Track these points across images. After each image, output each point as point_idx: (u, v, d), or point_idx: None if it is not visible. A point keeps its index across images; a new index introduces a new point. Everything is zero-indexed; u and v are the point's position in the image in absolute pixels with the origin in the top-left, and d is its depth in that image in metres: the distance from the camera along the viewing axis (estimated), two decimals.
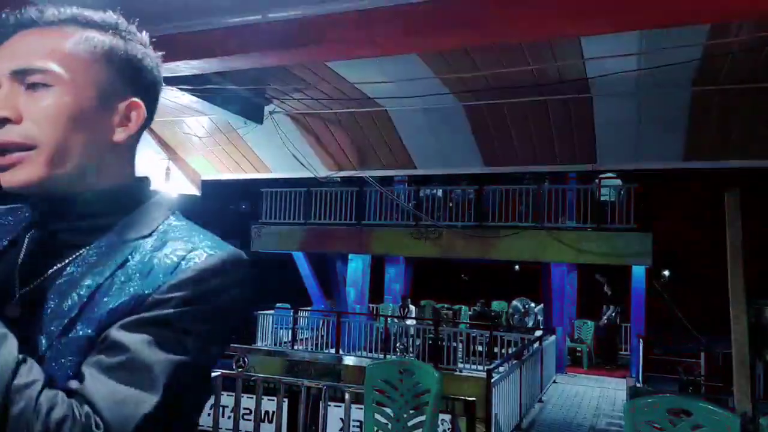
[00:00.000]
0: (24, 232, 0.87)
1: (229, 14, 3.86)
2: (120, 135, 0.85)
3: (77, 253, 0.81)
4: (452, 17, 3.59)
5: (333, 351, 12.25)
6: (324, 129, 6.53)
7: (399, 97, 5.32)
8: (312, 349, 12.99)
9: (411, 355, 11.28)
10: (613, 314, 12.90)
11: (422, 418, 4.88)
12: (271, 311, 13.52)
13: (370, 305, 15.14)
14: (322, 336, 13.22)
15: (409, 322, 12.52)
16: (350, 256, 14.64)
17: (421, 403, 4.91)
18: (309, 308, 14.50)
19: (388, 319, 12.57)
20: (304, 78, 5.30)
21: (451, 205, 12.87)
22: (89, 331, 0.74)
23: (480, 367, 10.26)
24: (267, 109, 6.18)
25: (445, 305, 14.43)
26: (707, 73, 4.89)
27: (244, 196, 14.34)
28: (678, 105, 5.35)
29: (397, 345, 11.78)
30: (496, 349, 10.89)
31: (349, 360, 10.40)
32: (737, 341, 4.54)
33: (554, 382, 11.06)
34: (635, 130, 5.80)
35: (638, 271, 12.21)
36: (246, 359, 5.49)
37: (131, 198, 0.87)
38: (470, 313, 13.96)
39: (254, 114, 6.07)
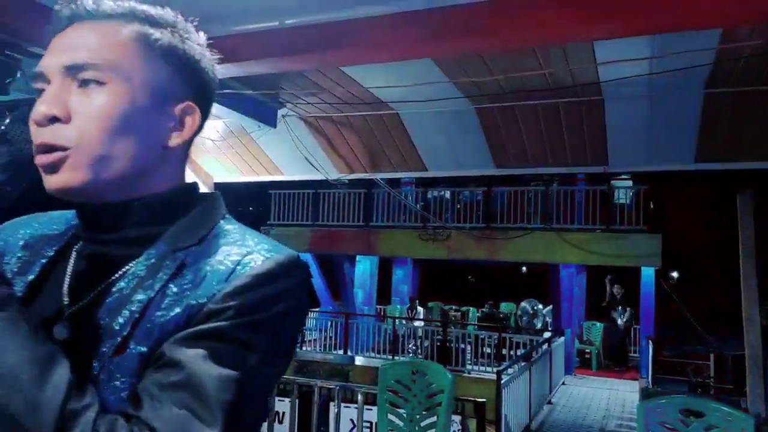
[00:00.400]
0: (71, 245, 0.83)
1: (247, 20, 3.92)
2: (174, 140, 0.80)
3: (126, 267, 0.76)
4: (466, 23, 3.63)
5: (341, 352, 12.29)
6: (336, 132, 6.59)
7: (412, 101, 5.36)
8: (321, 350, 13.04)
9: (420, 356, 11.30)
10: (630, 316, 12.91)
11: (435, 418, 4.92)
12: None
13: (378, 307, 15.18)
14: (331, 337, 13.26)
15: (417, 323, 12.54)
16: (358, 257, 14.68)
17: (433, 404, 4.95)
18: (317, 309, 14.53)
19: (396, 320, 12.60)
20: (318, 82, 5.36)
21: (458, 206, 12.89)
22: (142, 348, 0.69)
23: (489, 369, 10.25)
24: (280, 112, 6.24)
25: (453, 307, 14.47)
26: (719, 76, 4.92)
27: (256, 198, 14.40)
28: (690, 107, 5.38)
29: (409, 346, 11.80)
30: (504, 351, 10.90)
31: (358, 361, 10.44)
32: (750, 342, 4.55)
33: (563, 383, 11.04)
34: (647, 132, 5.83)
35: (647, 273, 12.21)
36: None
37: (181, 205, 0.81)
38: (478, 314, 13.98)
39: (268, 117, 6.13)
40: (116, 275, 0.75)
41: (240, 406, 0.67)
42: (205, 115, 0.84)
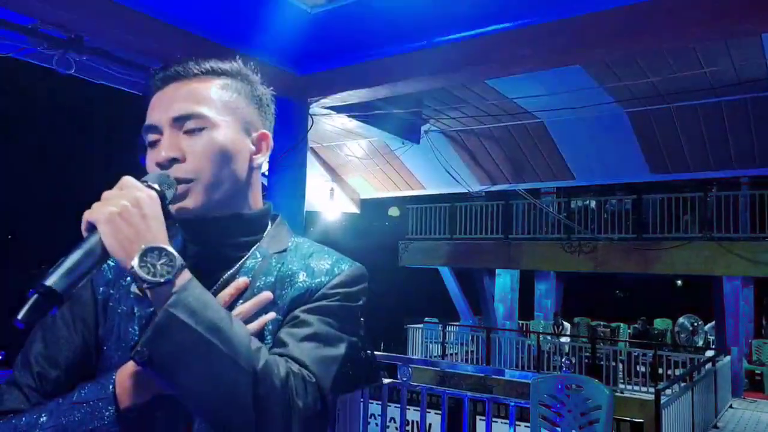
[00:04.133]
0: (183, 252, 1.00)
1: (397, 43, 4.10)
2: (257, 160, 1.04)
3: (239, 264, 1.00)
4: (617, 26, 3.53)
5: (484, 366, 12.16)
6: (478, 144, 6.63)
7: (559, 108, 5.27)
8: (462, 363, 12.98)
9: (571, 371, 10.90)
10: None
11: None
12: (420, 325, 13.73)
13: (520, 322, 14.84)
14: (471, 351, 13.16)
15: (563, 339, 12.10)
16: (498, 271, 14.47)
17: (591, 421, 4.76)
18: (457, 323, 14.51)
19: (540, 335, 12.24)
20: (461, 96, 5.45)
21: (605, 216, 12.29)
22: (279, 316, 0.95)
23: (643, 389, 9.67)
24: (423, 128, 6.41)
25: (601, 323, 13.75)
26: None
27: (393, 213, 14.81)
28: None
29: (563, 361, 11.41)
30: (660, 370, 10.20)
31: (501, 375, 10.26)
32: None
33: (731, 407, 10.11)
34: None
35: None
36: (409, 369, 5.65)
37: (267, 220, 1.07)
38: (629, 331, 13.17)
39: (411, 134, 6.33)
40: (234, 269, 1.00)
41: (346, 357, 0.95)
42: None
